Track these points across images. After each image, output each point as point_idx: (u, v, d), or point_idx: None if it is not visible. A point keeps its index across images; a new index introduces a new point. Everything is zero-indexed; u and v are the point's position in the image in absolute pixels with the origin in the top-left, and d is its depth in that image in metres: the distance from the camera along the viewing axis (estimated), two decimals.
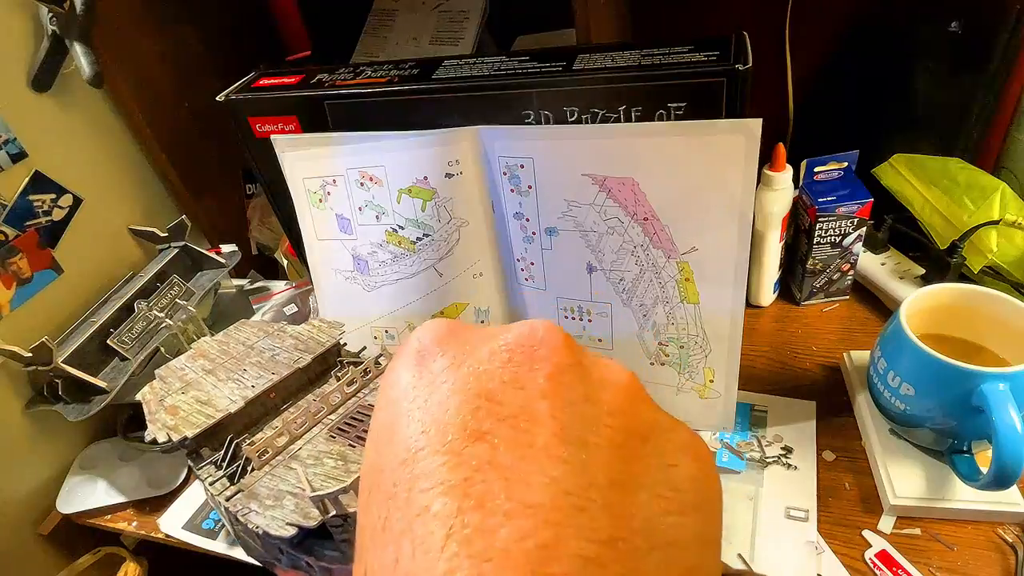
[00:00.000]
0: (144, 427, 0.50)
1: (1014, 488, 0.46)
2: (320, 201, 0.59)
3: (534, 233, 0.54)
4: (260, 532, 0.42)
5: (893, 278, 0.67)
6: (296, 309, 0.79)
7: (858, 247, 0.65)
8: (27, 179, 0.65)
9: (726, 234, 0.48)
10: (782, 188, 0.63)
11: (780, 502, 0.51)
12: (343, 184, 0.57)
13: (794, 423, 0.57)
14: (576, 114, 0.49)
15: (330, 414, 0.51)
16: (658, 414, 0.17)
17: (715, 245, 0.49)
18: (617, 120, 0.48)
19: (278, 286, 0.84)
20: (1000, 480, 0.42)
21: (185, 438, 0.47)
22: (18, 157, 0.65)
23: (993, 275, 0.61)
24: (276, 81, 0.57)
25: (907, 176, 0.66)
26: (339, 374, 0.53)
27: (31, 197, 0.66)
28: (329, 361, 0.56)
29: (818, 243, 0.65)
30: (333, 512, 0.41)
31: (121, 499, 0.64)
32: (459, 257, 0.58)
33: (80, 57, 0.65)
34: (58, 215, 0.69)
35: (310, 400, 0.53)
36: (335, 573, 0.44)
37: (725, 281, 0.50)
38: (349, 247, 0.60)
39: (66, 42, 0.65)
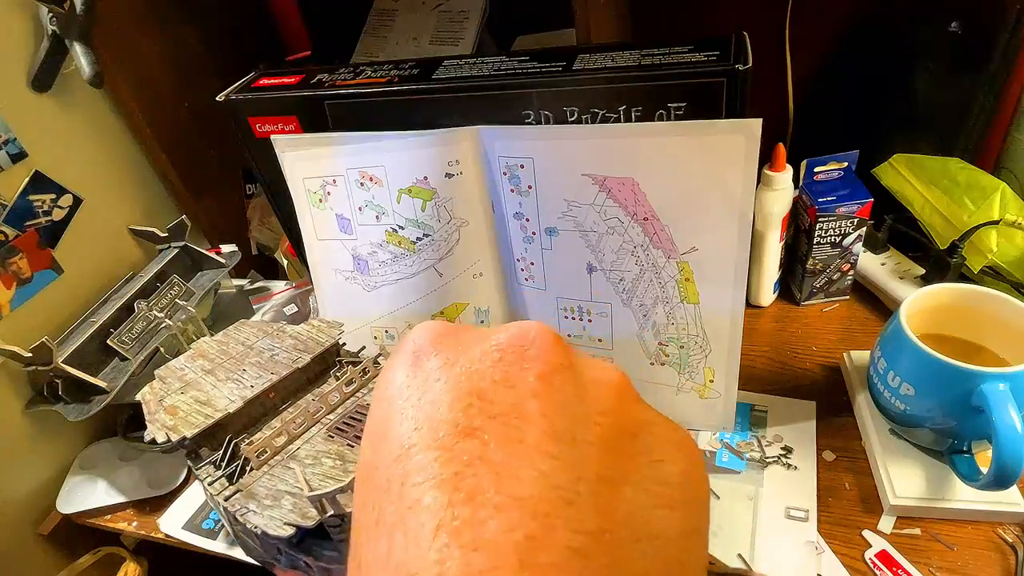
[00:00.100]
0: (144, 427, 0.50)
1: (1014, 488, 0.46)
2: (320, 201, 0.59)
3: (534, 233, 0.54)
4: (258, 532, 0.42)
5: (893, 278, 0.67)
6: (296, 309, 0.79)
7: (858, 247, 0.65)
8: (27, 179, 0.65)
9: (726, 234, 0.48)
10: (782, 188, 0.63)
11: (780, 502, 0.51)
12: (343, 184, 0.57)
13: (794, 423, 0.57)
14: (576, 114, 0.49)
15: (329, 414, 0.51)
16: (647, 412, 0.18)
17: (715, 245, 0.49)
18: (617, 120, 0.48)
19: (278, 286, 0.84)
20: (1000, 480, 0.42)
21: (184, 438, 0.47)
22: (18, 157, 0.65)
23: (993, 275, 0.61)
24: (276, 81, 0.57)
25: (907, 176, 0.66)
26: (338, 374, 0.53)
27: (31, 197, 0.66)
28: (328, 361, 0.56)
29: (818, 243, 0.65)
30: (331, 512, 0.41)
31: (121, 499, 0.64)
32: (459, 257, 0.58)
33: (80, 57, 0.65)
34: (58, 215, 0.69)
35: (309, 400, 0.53)
36: (333, 573, 0.44)
37: (725, 281, 0.50)
38: (349, 247, 0.60)
39: (66, 42, 0.65)
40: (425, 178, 0.54)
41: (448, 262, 0.58)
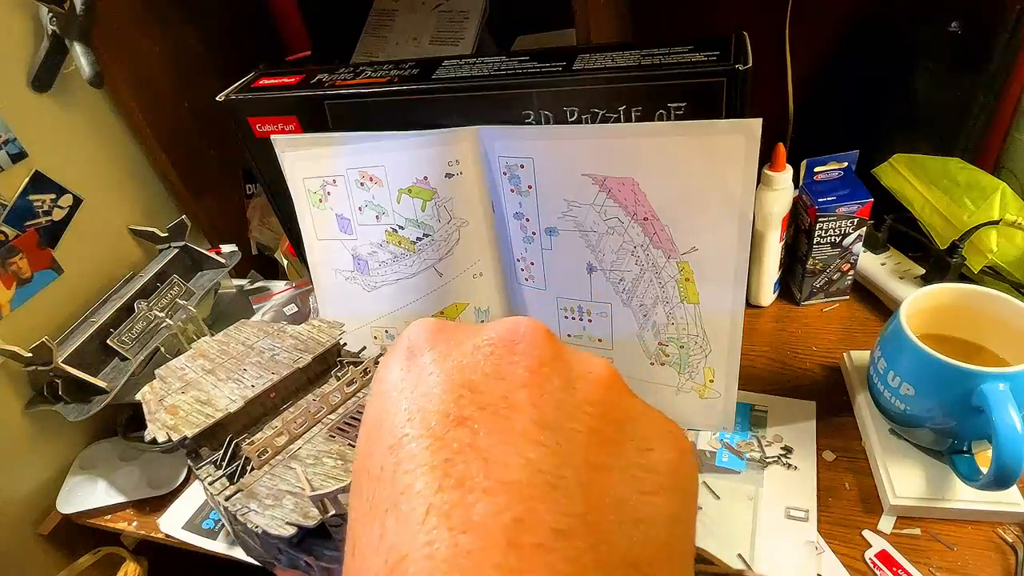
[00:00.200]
0: (144, 427, 0.50)
1: (1014, 488, 0.46)
2: (320, 201, 0.59)
3: (534, 233, 0.54)
4: (259, 532, 0.42)
5: (893, 278, 0.67)
6: (296, 309, 0.79)
7: (858, 247, 0.65)
8: (27, 179, 0.65)
9: (726, 234, 0.48)
10: (782, 188, 0.63)
11: (780, 502, 0.51)
12: (343, 184, 0.57)
13: (794, 423, 0.57)
14: (576, 114, 0.49)
15: (330, 414, 0.51)
16: (636, 403, 0.18)
17: (715, 245, 0.49)
18: (617, 120, 0.48)
19: (278, 286, 0.84)
20: (1000, 480, 0.42)
21: (185, 438, 0.47)
22: (18, 157, 0.65)
23: (993, 275, 0.61)
24: (276, 81, 0.57)
25: (907, 176, 0.66)
26: (339, 374, 0.53)
27: (31, 197, 0.66)
28: (329, 361, 0.56)
29: (818, 243, 0.65)
30: (333, 511, 0.41)
31: (121, 499, 0.64)
32: (459, 257, 0.58)
33: (80, 57, 0.65)
34: (58, 215, 0.69)
35: (310, 400, 0.53)
36: (334, 572, 0.44)
37: (725, 281, 0.50)
38: (349, 247, 0.60)
39: (66, 42, 0.65)
40: (425, 178, 0.54)
41: (448, 262, 0.58)
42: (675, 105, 0.47)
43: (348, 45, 0.89)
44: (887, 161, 0.68)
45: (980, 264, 0.60)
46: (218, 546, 0.58)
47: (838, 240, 0.64)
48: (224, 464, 0.47)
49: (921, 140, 0.67)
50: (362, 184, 0.57)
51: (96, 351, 0.66)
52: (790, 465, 0.54)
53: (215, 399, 0.51)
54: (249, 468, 0.47)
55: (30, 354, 0.61)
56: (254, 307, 0.80)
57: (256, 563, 0.51)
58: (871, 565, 0.46)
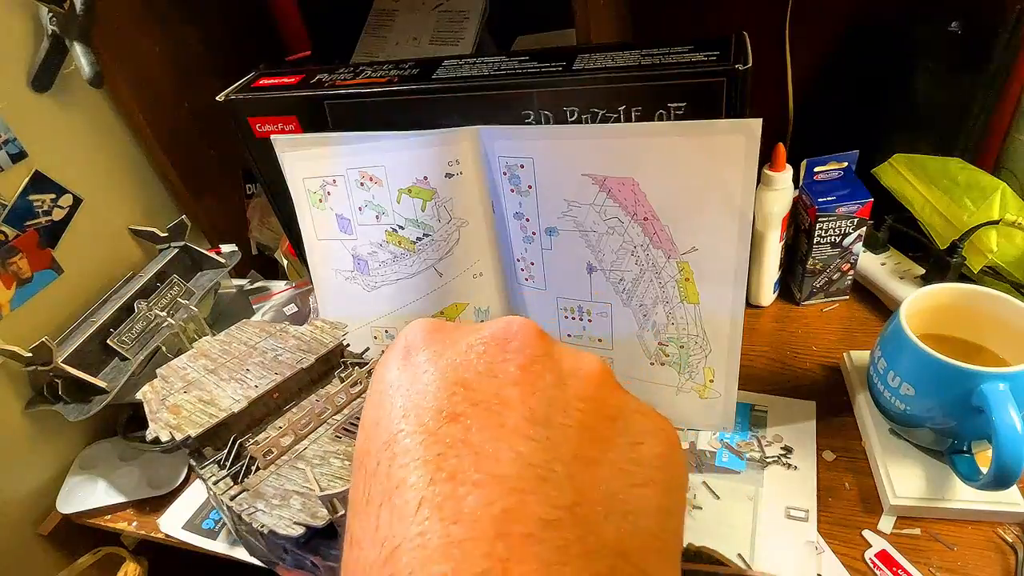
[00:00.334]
0: (144, 427, 0.49)
1: (1014, 488, 0.46)
2: (320, 201, 0.59)
3: (534, 233, 0.54)
4: (266, 532, 0.42)
5: (893, 278, 0.67)
6: (296, 309, 0.79)
7: (858, 247, 0.65)
8: (27, 179, 0.65)
9: (726, 234, 0.48)
10: (782, 188, 0.63)
11: (780, 502, 0.51)
12: (343, 184, 0.57)
13: (794, 423, 0.57)
14: (576, 114, 0.49)
15: (335, 414, 0.51)
16: (627, 399, 0.19)
17: (715, 245, 0.49)
18: (617, 120, 0.48)
19: (278, 286, 0.84)
20: (1000, 480, 0.42)
21: (188, 437, 0.47)
22: (18, 157, 0.65)
23: (993, 275, 0.61)
24: (276, 81, 0.57)
25: (907, 176, 0.66)
26: (343, 375, 0.53)
27: (31, 197, 0.66)
28: (332, 362, 0.56)
29: (818, 243, 0.65)
30: (342, 512, 0.41)
31: (121, 499, 0.64)
32: (459, 257, 0.58)
33: (80, 57, 0.65)
34: (58, 215, 0.69)
35: (314, 400, 0.53)
36: (339, 572, 0.44)
37: (725, 281, 0.50)
38: (349, 247, 0.60)
39: (66, 42, 0.65)
40: (425, 178, 0.54)
41: (448, 262, 0.58)
42: (675, 105, 0.47)
43: (348, 45, 0.89)
44: (887, 161, 0.68)
45: (980, 264, 0.60)
46: (218, 546, 0.58)
47: (838, 240, 0.64)
48: (228, 464, 0.47)
49: (921, 140, 0.67)
50: (362, 184, 0.57)
51: (96, 351, 0.66)
52: (790, 465, 0.54)
53: (218, 399, 0.51)
54: (254, 468, 0.47)
55: (30, 354, 0.61)
56: (254, 307, 0.80)
57: (257, 563, 0.51)
58: (871, 565, 0.46)
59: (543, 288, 0.58)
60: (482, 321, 0.64)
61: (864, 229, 0.64)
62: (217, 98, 0.57)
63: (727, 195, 0.46)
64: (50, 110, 0.68)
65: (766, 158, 0.62)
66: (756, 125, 0.42)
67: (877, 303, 0.68)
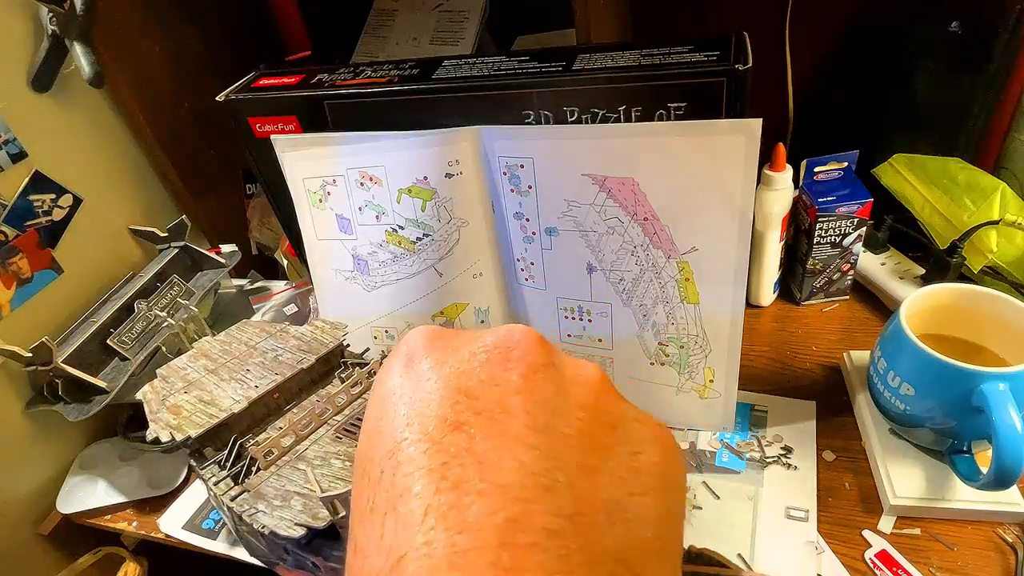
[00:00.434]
0: (145, 427, 0.49)
1: (1014, 488, 0.46)
2: (320, 201, 0.59)
3: (534, 233, 0.54)
4: (267, 532, 0.42)
5: (893, 278, 0.67)
6: (296, 309, 0.79)
7: (858, 247, 0.65)
8: (27, 179, 0.65)
9: (726, 234, 0.48)
10: (782, 188, 0.63)
11: (780, 502, 0.51)
12: (343, 184, 0.57)
13: (794, 423, 0.57)
14: (576, 114, 0.49)
15: (336, 415, 0.51)
16: (626, 407, 0.19)
17: (715, 245, 0.49)
18: (617, 120, 0.48)
19: (278, 286, 0.84)
20: (1000, 480, 0.42)
21: (188, 437, 0.47)
22: (18, 157, 0.65)
23: (993, 275, 0.61)
24: (276, 81, 0.57)
25: (907, 176, 0.66)
26: (343, 375, 0.53)
27: (31, 197, 0.66)
28: (332, 362, 0.56)
29: (818, 243, 0.65)
30: (343, 513, 0.41)
31: (121, 499, 0.64)
32: (459, 257, 0.58)
33: (80, 57, 0.65)
34: (58, 215, 0.69)
35: (314, 401, 0.53)
36: (341, 573, 0.44)
37: (725, 281, 0.50)
38: (349, 247, 0.60)
39: (66, 42, 0.65)
40: (425, 178, 0.54)
41: (448, 262, 0.58)
42: (675, 105, 0.47)
43: (348, 45, 0.89)
44: (887, 161, 0.68)
45: (980, 264, 0.60)
46: (218, 546, 0.58)
47: (838, 240, 0.64)
48: (229, 464, 0.47)
49: (921, 140, 0.67)
50: (362, 184, 0.57)
51: (96, 351, 0.66)
52: (790, 465, 0.54)
53: (218, 399, 0.51)
54: (255, 469, 0.47)
55: (30, 354, 0.61)
56: (254, 307, 0.80)
57: (258, 563, 0.51)
58: (871, 565, 0.46)
59: (543, 288, 0.58)
60: (482, 322, 0.64)
61: (864, 229, 0.64)
62: (217, 98, 0.57)
63: (727, 195, 0.46)
64: (50, 110, 0.68)
65: (766, 158, 0.62)
66: (756, 125, 0.42)
67: (877, 303, 0.68)
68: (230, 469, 0.47)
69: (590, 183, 0.49)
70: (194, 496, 0.63)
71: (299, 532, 0.41)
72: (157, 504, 0.63)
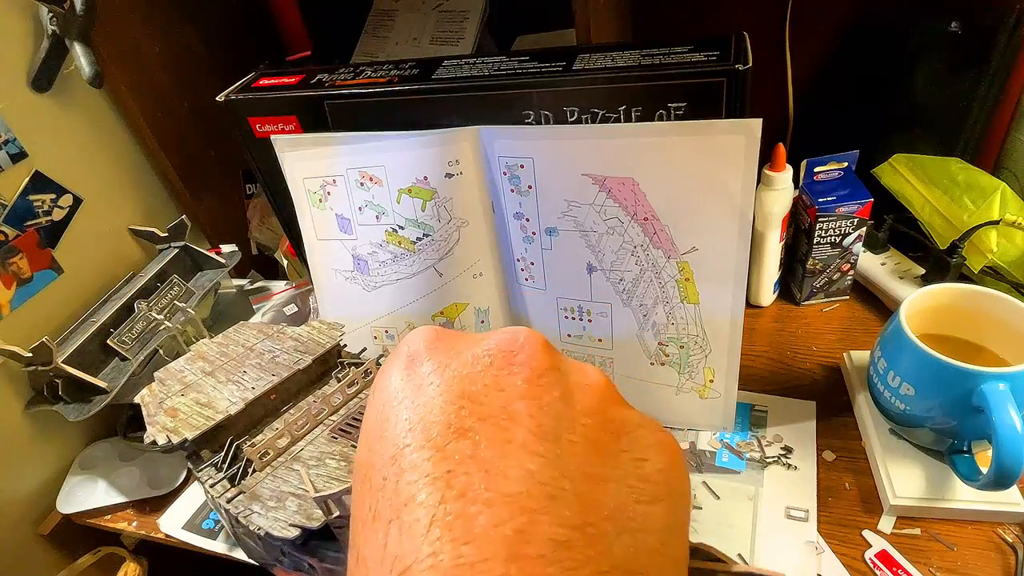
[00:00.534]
0: (144, 427, 0.50)
1: (1014, 488, 0.46)
2: (320, 201, 0.59)
3: (534, 233, 0.54)
4: (262, 534, 0.42)
5: (893, 278, 0.67)
6: (296, 309, 0.79)
7: (858, 247, 0.65)
8: (27, 179, 0.65)
9: (726, 234, 0.48)
10: (782, 188, 0.63)
11: (780, 502, 0.51)
12: (343, 184, 0.57)
13: (794, 423, 0.57)
14: (576, 114, 0.49)
15: (331, 415, 0.51)
16: (630, 414, 0.19)
17: (715, 245, 0.49)
18: (617, 120, 0.48)
19: (278, 286, 0.84)
20: (1000, 480, 0.42)
21: (185, 440, 0.47)
22: (18, 157, 0.65)
23: (993, 275, 0.61)
24: (276, 81, 0.57)
25: (907, 176, 0.66)
26: (340, 375, 0.53)
27: (31, 197, 0.66)
28: (329, 362, 0.56)
29: (818, 243, 0.65)
30: (337, 513, 0.41)
31: (121, 499, 0.64)
32: (459, 257, 0.58)
33: (80, 57, 0.65)
34: (58, 215, 0.69)
35: (311, 401, 0.53)
36: (337, 574, 0.44)
37: (725, 281, 0.50)
38: (349, 247, 0.60)
39: (66, 42, 0.65)
40: (425, 178, 0.54)
41: (448, 262, 0.58)
42: (675, 105, 0.47)
43: (348, 45, 0.89)
44: (887, 161, 0.68)
45: (980, 264, 0.60)
46: (218, 546, 0.58)
47: (838, 240, 0.64)
48: (225, 466, 0.47)
49: (921, 140, 0.67)
50: (362, 184, 0.57)
51: (96, 351, 0.66)
52: (790, 465, 0.54)
53: (215, 401, 0.51)
54: (251, 470, 0.47)
55: (30, 354, 0.61)
56: (254, 307, 0.80)
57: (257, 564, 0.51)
58: (871, 565, 0.46)
59: (543, 288, 0.58)
60: (482, 322, 0.64)
61: (864, 229, 0.64)
62: (217, 98, 0.57)
63: (727, 195, 0.46)
64: (50, 110, 0.68)
65: (766, 158, 0.62)
66: (756, 125, 0.42)
67: (877, 303, 0.68)
68: (226, 471, 0.47)
69: (590, 183, 0.49)
70: (194, 496, 0.63)
71: (293, 533, 0.41)
72: (157, 504, 0.63)
